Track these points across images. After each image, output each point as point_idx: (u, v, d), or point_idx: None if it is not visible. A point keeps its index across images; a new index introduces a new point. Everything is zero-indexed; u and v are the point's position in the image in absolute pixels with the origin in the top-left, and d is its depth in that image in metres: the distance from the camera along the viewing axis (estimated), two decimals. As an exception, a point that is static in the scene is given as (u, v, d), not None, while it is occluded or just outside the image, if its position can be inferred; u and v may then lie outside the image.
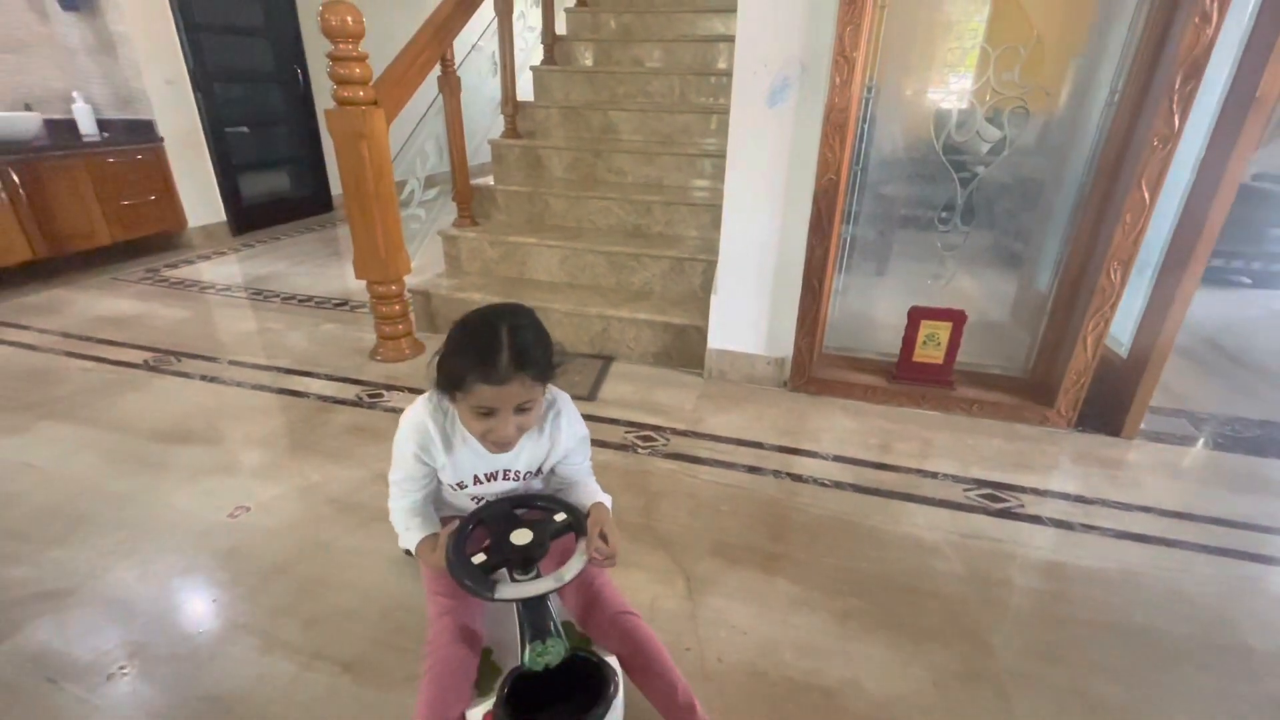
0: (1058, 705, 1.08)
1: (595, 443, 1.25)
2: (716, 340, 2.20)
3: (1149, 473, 1.74)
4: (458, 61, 2.53)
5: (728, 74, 2.89)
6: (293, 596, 1.26)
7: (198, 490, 1.58)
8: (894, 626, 1.23)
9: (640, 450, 1.80)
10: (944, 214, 1.95)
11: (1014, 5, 1.70)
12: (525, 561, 0.86)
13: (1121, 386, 1.90)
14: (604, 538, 0.90)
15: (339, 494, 1.58)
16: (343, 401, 2.04)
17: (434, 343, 2.46)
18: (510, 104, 2.98)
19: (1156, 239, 1.77)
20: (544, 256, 2.61)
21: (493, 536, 0.89)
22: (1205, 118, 1.64)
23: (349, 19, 1.84)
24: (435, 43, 2.28)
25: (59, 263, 3.23)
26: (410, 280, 2.45)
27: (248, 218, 4.21)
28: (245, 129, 4.12)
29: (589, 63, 3.60)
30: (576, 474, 1.08)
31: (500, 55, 2.85)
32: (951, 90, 1.82)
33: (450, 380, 0.85)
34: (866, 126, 1.87)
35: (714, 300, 2.14)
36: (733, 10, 1.85)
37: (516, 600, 0.83)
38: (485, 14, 2.63)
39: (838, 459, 1.78)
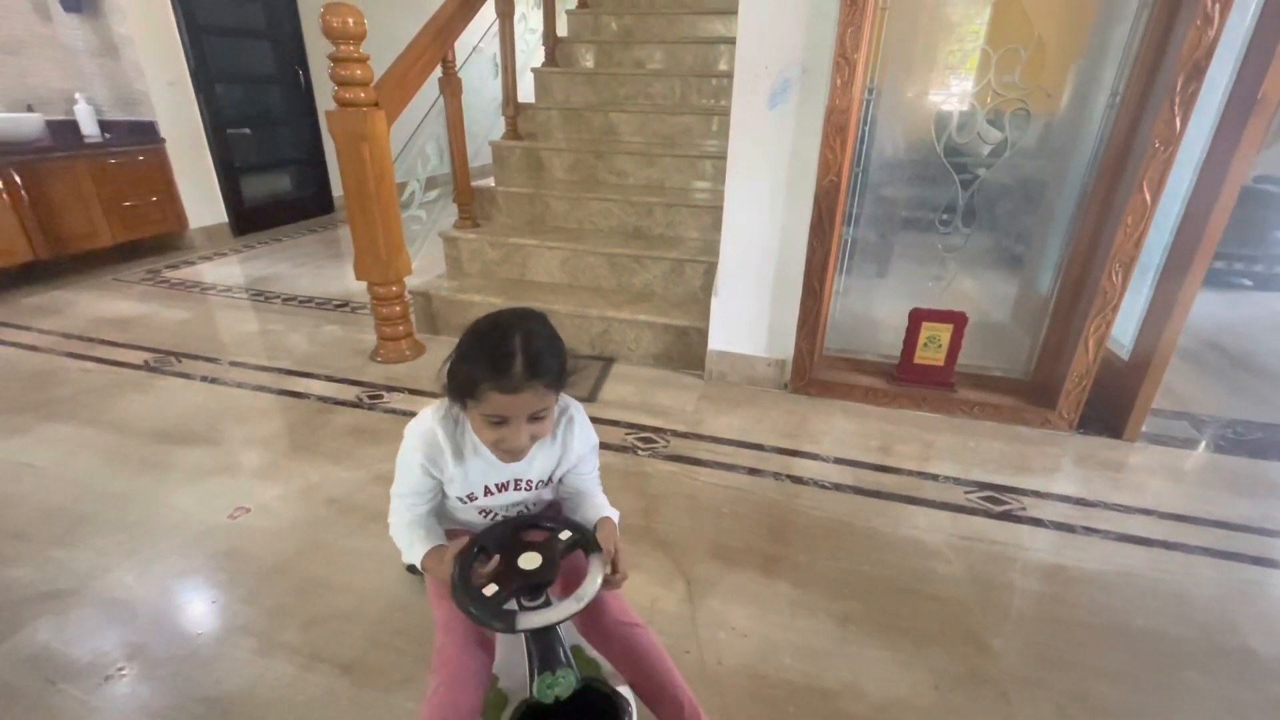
0: (1059, 709, 1.07)
1: (595, 444, 1.24)
2: (717, 342, 2.20)
3: (1151, 475, 1.74)
4: (459, 63, 2.53)
5: (729, 76, 2.89)
6: (292, 598, 1.26)
7: (198, 491, 1.58)
8: (894, 629, 1.22)
9: (640, 452, 1.80)
10: (945, 216, 1.95)
11: (1015, 7, 1.70)
12: (534, 588, 0.81)
13: (1123, 389, 1.89)
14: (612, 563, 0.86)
15: (339, 495, 1.58)
16: (343, 403, 2.04)
17: (434, 344, 2.47)
18: (511, 105, 2.99)
19: (1158, 241, 1.77)
20: (545, 258, 2.61)
21: (499, 563, 0.84)
22: (1207, 120, 1.64)
23: (350, 20, 1.84)
24: (436, 44, 2.28)
25: (60, 263, 3.24)
26: (411, 282, 2.45)
27: (249, 219, 4.21)
28: (247, 130, 4.13)
29: (590, 64, 3.60)
30: (585, 483, 1.04)
31: (501, 57, 2.86)
32: (952, 92, 1.82)
33: (461, 388, 0.81)
34: (867, 128, 1.87)
35: (715, 302, 2.14)
36: (734, 12, 1.85)
37: (527, 631, 0.78)
38: (486, 16, 2.63)
39: (838, 461, 1.78)
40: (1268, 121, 1.54)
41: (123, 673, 1.09)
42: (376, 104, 2.02)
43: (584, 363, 0.96)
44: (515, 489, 0.98)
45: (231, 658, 1.13)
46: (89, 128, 3.39)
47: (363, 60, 1.93)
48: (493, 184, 2.90)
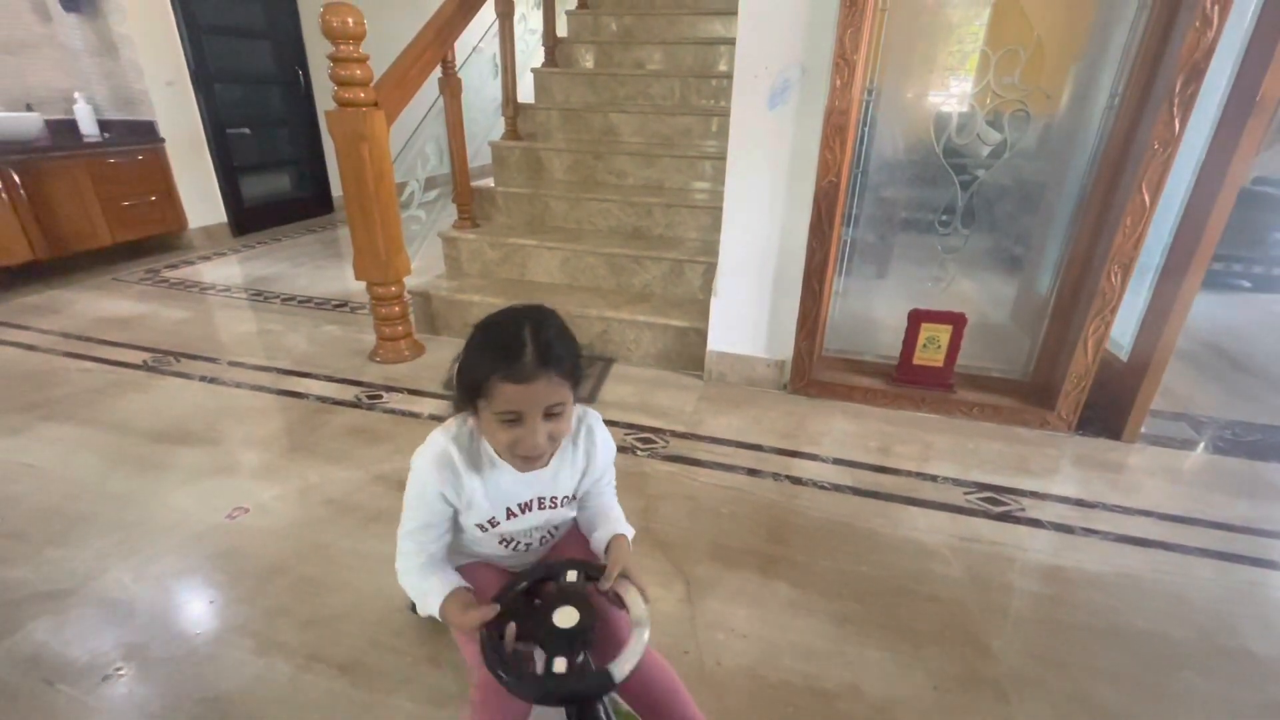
0: (1057, 710, 1.07)
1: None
2: (716, 342, 2.20)
3: (1150, 476, 1.74)
4: (459, 63, 2.53)
5: (728, 76, 2.89)
6: (290, 598, 1.26)
7: (196, 491, 1.58)
8: (893, 630, 1.22)
9: (640, 452, 1.80)
10: (944, 217, 1.95)
11: (1014, 8, 1.70)
12: (574, 645, 0.72)
13: (1122, 390, 1.89)
14: (619, 597, 0.80)
15: (337, 495, 1.57)
16: (342, 403, 2.03)
17: (434, 344, 2.47)
18: (511, 106, 2.99)
19: (1157, 242, 1.77)
20: (544, 258, 2.61)
21: (531, 623, 0.75)
22: (1206, 121, 1.64)
23: (350, 20, 1.84)
24: (436, 44, 2.28)
25: (59, 263, 3.23)
26: (410, 282, 2.45)
27: (248, 219, 4.21)
28: (246, 130, 4.13)
29: (590, 65, 3.60)
30: (604, 498, 0.99)
31: (501, 57, 2.86)
32: (952, 93, 1.82)
33: (471, 387, 0.76)
34: (867, 129, 1.87)
35: (714, 302, 2.14)
36: (733, 13, 1.85)
37: (571, 700, 0.71)
38: (486, 16, 2.63)
39: (837, 462, 1.78)
40: (1267, 123, 1.54)
41: (121, 673, 1.09)
42: (376, 104, 2.01)
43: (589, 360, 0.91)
44: (540, 508, 0.91)
45: (229, 658, 1.12)
46: (88, 127, 3.39)
47: (362, 60, 1.93)
48: (492, 184, 2.90)
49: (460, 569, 0.91)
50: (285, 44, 4.27)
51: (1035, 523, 1.54)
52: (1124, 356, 1.93)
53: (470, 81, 2.83)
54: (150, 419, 1.90)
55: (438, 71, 2.42)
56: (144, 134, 3.50)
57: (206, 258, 3.68)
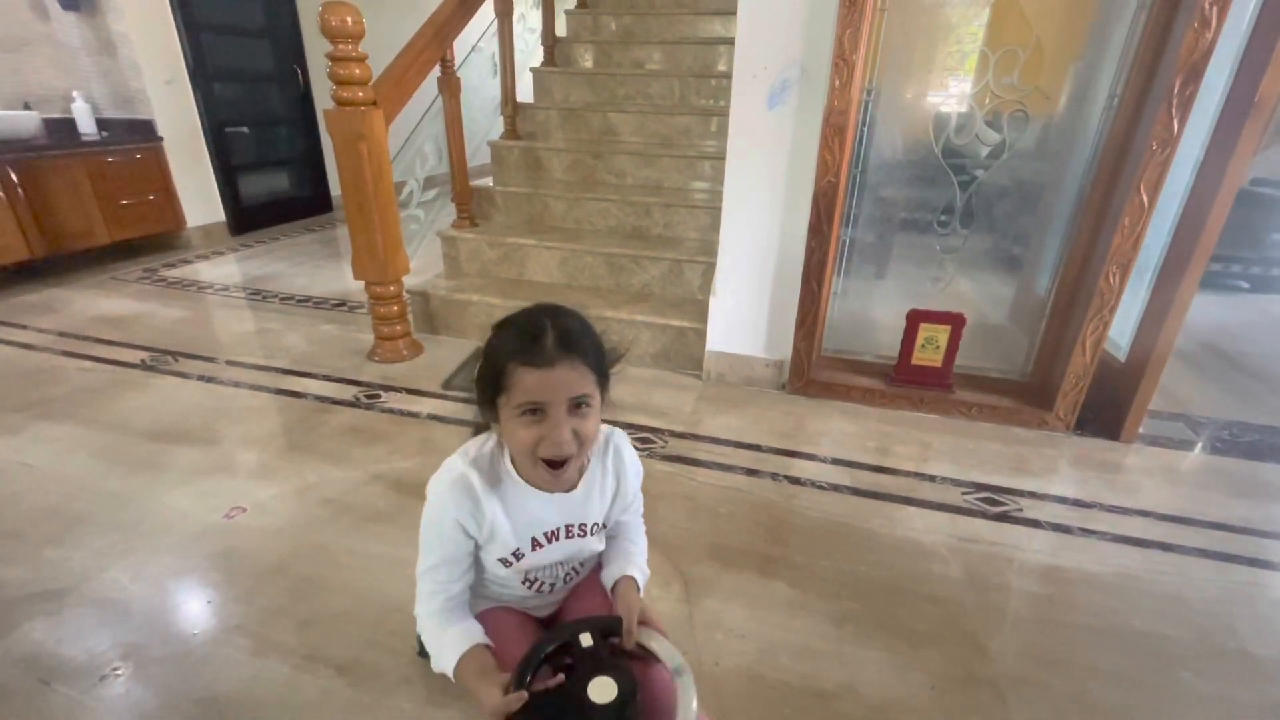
0: (1055, 710, 1.07)
1: (593, 445, 1.24)
2: (715, 342, 2.20)
3: (1147, 477, 1.74)
4: (457, 62, 2.53)
5: (727, 76, 2.88)
6: (288, 598, 1.25)
7: (194, 491, 1.57)
8: (891, 630, 1.22)
9: (638, 452, 1.79)
10: (943, 217, 1.95)
11: (1013, 9, 1.70)
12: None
13: (1120, 390, 1.90)
14: (645, 648, 0.76)
15: (335, 495, 1.57)
16: (340, 402, 2.03)
17: (432, 344, 2.47)
18: (510, 105, 2.98)
19: (1155, 243, 1.77)
20: (543, 258, 2.61)
21: (567, 707, 0.67)
22: (1204, 122, 1.64)
23: (349, 19, 1.84)
24: (435, 44, 2.28)
25: (57, 262, 3.23)
26: (409, 281, 2.45)
27: (247, 218, 4.20)
28: (245, 129, 4.12)
29: (589, 64, 3.60)
30: (630, 526, 0.94)
31: (500, 56, 2.86)
32: (951, 93, 1.82)
33: (490, 382, 0.72)
34: (866, 129, 1.87)
35: (713, 302, 2.14)
36: (733, 13, 1.85)
37: None
38: (485, 15, 2.63)
39: (836, 462, 1.78)
40: (1265, 124, 1.55)
41: (117, 673, 1.09)
42: (374, 103, 2.01)
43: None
44: (568, 536, 0.85)
45: (227, 658, 1.12)
46: (86, 126, 3.38)
47: (361, 59, 1.93)
48: (491, 184, 2.90)
49: (479, 615, 0.86)
50: (284, 43, 4.26)
51: (1033, 523, 1.54)
52: (1122, 357, 1.93)
53: (469, 81, 2.83)
54: (148, 418, 1.90)
55: (437, 71, 2.41)
56: (142, 133, 3.49)
57: (205, 257, 3.67)
